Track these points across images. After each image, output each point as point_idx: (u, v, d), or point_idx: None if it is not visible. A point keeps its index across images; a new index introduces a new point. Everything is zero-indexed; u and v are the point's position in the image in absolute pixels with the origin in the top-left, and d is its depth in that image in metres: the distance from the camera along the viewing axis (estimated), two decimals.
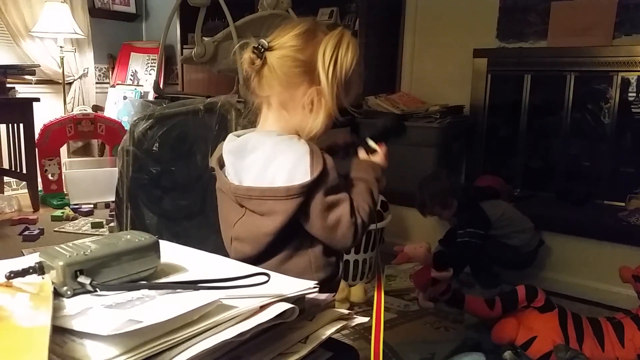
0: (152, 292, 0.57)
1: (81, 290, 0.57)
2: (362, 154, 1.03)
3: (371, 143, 1.03)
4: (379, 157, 1.02)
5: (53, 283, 0.56)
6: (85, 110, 3.74)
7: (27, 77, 3.61)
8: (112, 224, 2.82)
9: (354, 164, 1.01)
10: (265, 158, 0.88)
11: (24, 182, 3.42)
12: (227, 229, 0.96)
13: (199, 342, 0.51)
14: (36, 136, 3.37)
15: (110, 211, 3.20)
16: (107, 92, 4.18)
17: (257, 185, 0.88)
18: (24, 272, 0.58)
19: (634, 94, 2.54)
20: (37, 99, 3.31)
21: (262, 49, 0.91)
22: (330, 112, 0.93)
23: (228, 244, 0.96)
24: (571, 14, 2.56)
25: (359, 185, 0.95)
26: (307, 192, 0.85)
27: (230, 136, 0.96)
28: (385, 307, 2.09)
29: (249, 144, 0.91)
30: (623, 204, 2.38)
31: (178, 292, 0.57)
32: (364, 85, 3.11)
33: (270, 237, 0.88)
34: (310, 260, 0.92)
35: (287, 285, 0.62)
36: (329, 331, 0.62)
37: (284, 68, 0.91)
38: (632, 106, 2.54)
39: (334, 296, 0.63)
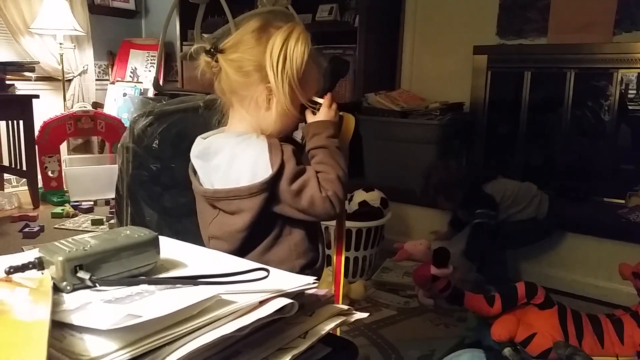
0: (152, 287, 0.57)
1: (81, 285, 0.57)
2: (308, 116, 0.98)
3: (315, 99, 0.98)
4: (323, 112, 0.96)
5: (52, 278, 0.56)
6: (85, 107, 3.73)
7: (26, 73, 3.60)
8: (112, 221, 2.83)
9: (304, 133, 0.98)
10: (228, 159, 0.91)
11: (24, 179, 3.42)
12: (204, 228, 1.00)
13: (198, 336, 0.51)
14: (36, 133, 3.37)
15: (111, 208, 3.20)
16: (106, 89, 4.17)
17: (224, 187, 0.91)
18: (23, 267, 0.58)
19: (634, 91, 2.54)
20: (37, 96, 3.30)
21: (215, 52, 0.93)
22: (285, 109, 0.93)
23: (207, 243, 0.99)
24: (571, 11, 2.56)
25: (317, 155, 0.94)
26: (269, 186, 0.88)
27: (197, 139, 0.99)
28: (384, 304, 2.10)
29: (212, 147, 0.94)
30: (623, 201, 2.38)
31: (177, 287, 0.58)
32: (364, 82, 3.11)
33: (243, 233, 0.92)
34: (291, 248, 0.95)
35: (286, 280, 0.63)
36: (328, 326, 0.62)
37: (236, 69, 0.93)
38: (632, 103, 2.54)
39: (317, 279, 0.63)
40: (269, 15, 1.63)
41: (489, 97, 2.84)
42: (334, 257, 1.08)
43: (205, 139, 0.98)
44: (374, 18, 3.03)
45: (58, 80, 3.82)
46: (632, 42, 2.40)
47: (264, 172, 0.88)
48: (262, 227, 0.93)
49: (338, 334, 0.94)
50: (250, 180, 0.89)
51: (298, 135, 1.05)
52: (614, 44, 2.44)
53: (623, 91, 2.51)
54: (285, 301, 0.57)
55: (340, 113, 1.00)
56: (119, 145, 2.09)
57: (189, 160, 1.05)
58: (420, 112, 2.69)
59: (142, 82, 4.14)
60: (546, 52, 2.63)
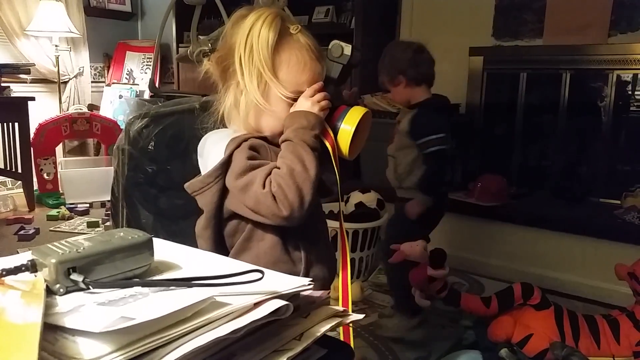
0: (146, 290, 0.57)
1: (74, 287, 0.56)
2: (293, 106, 0.88)
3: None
4: (303, 102, 0.86)
5: (45, 280, 0.56)
6: (80, 109, 3.73)
7: (22, 76, 3.59)
8: (108, 223, 2.82)
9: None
10: (206, 155, 0.90)
11: (20, 182, 3.41)
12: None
13: (193, 339, 0.50)
14: (31, 135, 3.35)
15: (106, 210, 3.19)
16: (102, 91, 4.17)
17: None
18: (16, 270, 0.57)
19: (630, 92, 2.55)
20: (32, 98, 3.29)
21: (210, 53, 0.92)
22: (259, 106, 0.86)
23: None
24: (567, 13, 2.57)
25: (282, 147, 0.85)
26: (218, 180, 0.85)
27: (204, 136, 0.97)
28: (381, 305, 2.09)
29: (204, 143, 0.93)
30: (619, 202, 2.39)
31: (171, 290, 0.57)
32: (360, 84, 3.08)
33: (207, 231, 0.88)
34: (258, 256, 0.87)
35: (281, 282, 0.62)
36: (323, 328, 0.62)
37: (217, 68, 0.91)
38: (628, 104, 2.55)
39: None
40: None
41: (485, 98, 2.85)
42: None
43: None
44: (370, 20, 3.04)
45: (54, 83, 3.81)
46: (627, 43, 2.41)
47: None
48: (231, 228, 0.89)
49: (341, 337, 0.90)
50: None
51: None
52: (610, 45, 2.45)
53: (618, 92, 2.51)
54: (280, 303, 0.57)
55: (348, 107, 0.90)
56: (114, 147, 2.09)
57: (185, 162, 1.04)
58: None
59: (138, 84, 4.14)
60: (542, 54, 2.64)
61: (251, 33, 0.84)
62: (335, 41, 0.91)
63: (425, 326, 1.82)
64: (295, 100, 0.87)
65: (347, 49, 0.90)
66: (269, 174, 0.82)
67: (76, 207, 3.30)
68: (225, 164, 0.85)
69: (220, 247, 0.91)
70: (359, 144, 0.91)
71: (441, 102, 1.82)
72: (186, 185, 0.90)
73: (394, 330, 1.82)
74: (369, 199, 2.39)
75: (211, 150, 0.89)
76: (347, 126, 0.88)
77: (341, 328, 0.81)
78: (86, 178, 3.47)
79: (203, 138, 0.94)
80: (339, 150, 0.88)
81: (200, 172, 0.94)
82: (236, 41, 0.86)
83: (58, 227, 2.95)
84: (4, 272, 0.56)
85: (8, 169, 3.38)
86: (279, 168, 0.82)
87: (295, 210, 0.80)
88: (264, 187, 0.80)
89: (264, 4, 2.21)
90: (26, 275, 0.57)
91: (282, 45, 0.86)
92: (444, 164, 1.74)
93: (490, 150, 2.90)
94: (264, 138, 0.90)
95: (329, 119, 0.89)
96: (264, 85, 0.86)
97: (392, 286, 1.92)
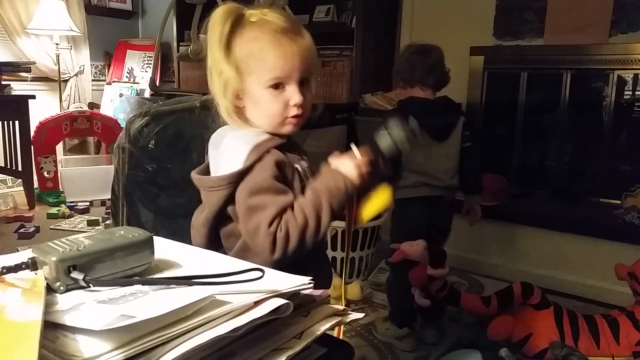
0: (146, 288, 0.57)
1: (74, 285, 0.56)
2: (333, 159, 0.86)
3: (353, 148, 0.86)
4: (349, 165, 0.83)
5: (46, 278, 0.56)
6: (81, 107, 3.73)
7: (22, 74, 3.59)
8: (108, 222, 2.82)
9: (321, 169, 0.87)
10: (221, 149, 0.88)
11: (20, 180, 3.40)
12: None
13: (193, 337, 0.50)
14: (32, 134, 3.35)
15: (106, 209, 3.19)
16: (103, 90, 4.17)
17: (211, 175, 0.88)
18: (16, 268, 0.57)
19: (630, 92, 2.55)
20: (33, 96, 3.29)
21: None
22: (252, 98, 0.85)
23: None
24: (567, 12, 2.57)
25: (307, 194, 0.82)
26: (231, 185, 0.82)
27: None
28: (381, 304, 2.09)
29: (220, 135, 0.90)
30: (619, 202, 2.39)
31: (172, 288, 0.57)
32: (361, 83, 3.07)
33: (205, 228, 0.87)
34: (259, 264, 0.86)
35: (281, 280, 0.62)
36: (323, 327, 0.62)
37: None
38: (628, 104, 2.54)
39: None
40: None
41: (485, 98, 2.84)
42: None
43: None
44: (370, 19, 3.04)
45: (54, 81, 3.81)
46: (628, 43, 2.41)
47: (235, 168, 0.82)
48: (227, 230, 0.87)
49: (340, 335, 0.89)
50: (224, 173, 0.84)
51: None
52: (610, 45, 2.45)
53: (619, 92, 2.51)
54: (281, 301, 0.57)
55: (379, 186, 0.87)
56: (114, 145, 2.09)
57: (186, 160, 1.03)
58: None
59: (138, 83, 4.13)
60: (543, 53, 2.64)
61: (208, 34, 0.85)
62: (401, 132, 0.87)
63: (413, 335, 1.80)
64: (276, 86, 0.84)
65: (406, 146, 0.87)
66: (282, 212, 0.79)
67: (76, 206, 3.30)
68: (244, 174, 0.82)
69: (215, 244, 0.90)
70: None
71: (422, 102, 1.74)
72: (196, 177, 0.88)
73: (383, 334, 1.83)
74: None
75: (228, 148, 0.86)
76: (374, 206, 0.88)
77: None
78: (86, 176, 3.47)
79: (221, 129, 0.91)
80: (356, 216, 0.88)
81: (203, 162, 0.93)
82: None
83: (58, 226, 2.95)
84: (5, 270, 0.56)
85: (8, 167, 3.38)
86: (293, 209, 0.80)
87: (285, 258, 0.79)
88: (270, 225, 0.78)
89: (264, 3, 2.22)
90: (26, 273, 0.57)
91: (242, 37, 0.84)
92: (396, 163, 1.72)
93: (491, 149, 2.89)
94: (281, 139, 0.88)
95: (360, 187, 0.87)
96: (235, 84, 0.85)
97: (389, 293, 1.92)
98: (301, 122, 0.88)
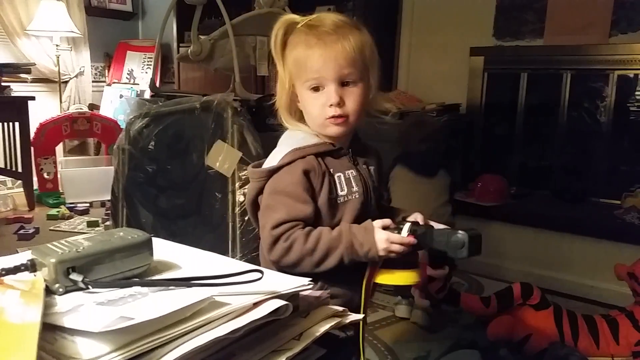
0: (145, 289, 0.57)
1: (73, 287, 0.56)
2: (383, 221, 0.84)
3: (404, 230, 0.82)
4: (383, 236, 0.81)
5: (45, 280, 0.56)
6: (81, 108, 3.73)
7: (22, 75, 3.59)
8: (107, 223, 2.82)
9: (367, 221, 0.85)
10: (277, 147, 0.93)
11: (20, 181, 3.41)
12: None
13: (192, 339, 0.50)
14: (32, 135, 3.36)
15: (106, 210, 3.19)
16: (103, 91, 4.17)
17: None
18: (15, 270, 0.57)
19: (630, 92, 2.55)
20: (33, 98, 3.29)
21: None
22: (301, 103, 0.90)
23: None
24: (568, 13, 2.57)
25: (335, 231, 0.83)
26: (260, 180, 0.88)
27: None
28: (380, 305, 2.09)
29: (283, 136, 0.94)
30: (619, 202, 2.39)
31: (171, 289, 0.57)
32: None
33: (250, 208, 0.93)
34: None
35: (281, 282, 0.62)
36: (322, 328, 0.62)
37: None
38: (628, 104, 2.54)
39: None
40: (269, 16, 1.59)
41: (485, 98, 2.85)
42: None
43: None
44: (370, 19, 3.03)
45: (54, 82, 3.81)
46: (628, 43, 2.41)
47: (272, 165, 0.88)
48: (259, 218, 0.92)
49: (361, 339, 0.85)
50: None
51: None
52: (610, 45, 2.45)
53: (619, 92, 2.51)
54: (280, 303, 0.57)
55: (408, 268, 0.84)
56: (114, 146, 2.10)
57: (185, 161, 1.04)
58: (417, 113, 2.69)
59: (138, 84, 4.13)
60: (542, 54, 2.64)
61: (271, 37, 0.90)
62: (472, 245, 0.78)
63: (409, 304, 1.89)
64: (316, 88, 0.86)
65: (463, 252, 0.79)
66: (291, 219, 0.83)
67: (76, 207, 3.30)
68: (273, 172, 0.87)
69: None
70: None
71: None
72: (249, 167, 0.93)
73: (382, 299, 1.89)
74: None
75: (278, 145, 0.91)
76: (395, 279, 0.86)
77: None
78: (86, 177, 3.47)
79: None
80: (373, 279, 0.87)
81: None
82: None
83: (58, 227, 2.95)
84: (4, 272, 0.56)
85: (8, 168, 3.38)
86: (307, 233, 0.82)
87: (279, 266, 0.83)
88: (274, 227, 0.83)
89: (265, 3, 2.21)
90: (25, 275, 0.57)
91: (290, 43, 0.88)
92: None
93: (491, 150, 2.90)
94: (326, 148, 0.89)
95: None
96: (289, 88, 0.89)
97: None
98: (345, 123, 0.87)
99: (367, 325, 1.90)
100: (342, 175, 0.89)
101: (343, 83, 0.86)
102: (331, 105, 0.85)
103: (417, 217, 0.87)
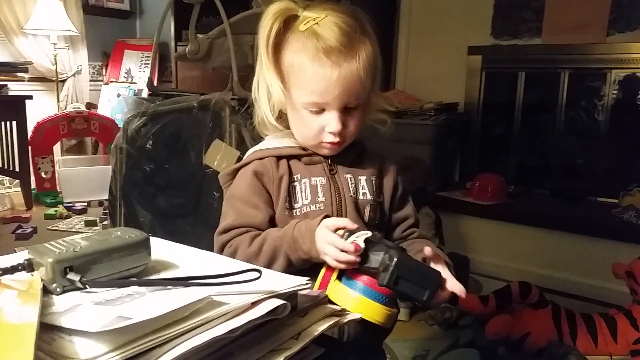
0: (143, 289, 0.57)
1: (71, 287, 0.56)
2: (332, 223, 0.71)
3: (353, 237, 0.69)
4: (325, 242, 0.70)
5: (42, 280, 0.55)
6: (78, 107, 3.72)
7: (19, 74, 3.58)
8: (105, 222, 2.81)
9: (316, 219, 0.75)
10: None
11: (17, 180, 3.40)
12: None
13: (190, 338, 0.50)
14: (29, 134, 3.35)
15: (104, 209, 3.19)
16: (100, 90, 4.16)
17: None
18: (12, 269, 0.57)
19: (628, 91, 2.55)
20: (30, 97, 3.28)
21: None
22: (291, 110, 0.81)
23: None
24: (565, 12, 2.57)
25: (278, 232, 0.76)
26: (226, 185, 0.84)
27: None
28: None
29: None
30: (616, 201, 2.39)
31: (168, 289, 0.57)
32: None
33: None
34: None
35: (279, 281, 0.62)
36: (321, 327, 0.62)
37: None
38: (626, 103, 2.55)
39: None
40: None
41: (483, 97, 2.85)
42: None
43: None
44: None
45: (52, 81, 3.80)
46: (625, 42, 2.41)
47: None
48: None
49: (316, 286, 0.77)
50: None
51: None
52: (608, 44, 2.46)
53: (616, 91, 2.51)
54: (278, 302, 0.57)
55: (383, 307, 0.70)
56: (112, 145, 2.09)
57: (183, 160, 1.03)
58: (414, 113, 2.69)
59: (136, 83, 4.13)
60: (540, 53, 2.64)
61: (259, 28, 0.78)
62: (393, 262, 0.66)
63: (422, 325, 1.84)
64: (316, 111, 0.76)
65: (424, 294, 0.67)
66: (239, 226, 0.78)
67: (74, 206, 3.29)
68: (233, 175, 0.83)
69: None
70: None
71: None
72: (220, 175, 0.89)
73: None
74: None
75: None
76: (358, 308, 0.71)
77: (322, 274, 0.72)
78: (84, 177, 3.46)
79: None
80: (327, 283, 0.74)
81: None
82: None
83: (55, 226, 2.95)
84: (1, 272, 0.56)
85: (6, 167, 3.37)
86: (254, 235, 0.77)
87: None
88: (221, 233, 0.79)
89: (263, 2, 2.21)
90: (23, 275, 0.57)
91: (289, 44, 0.77)
92: None
93: (489, 149, 2.90)
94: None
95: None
96: (278, 92, 0.78)
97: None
98: (340, 147, 0.80)
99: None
100: (307, 182, 0.80)
101: (346, 107, 0.77)
102: (331, 132, 0.77)
103: (426, 250, 0.73)
